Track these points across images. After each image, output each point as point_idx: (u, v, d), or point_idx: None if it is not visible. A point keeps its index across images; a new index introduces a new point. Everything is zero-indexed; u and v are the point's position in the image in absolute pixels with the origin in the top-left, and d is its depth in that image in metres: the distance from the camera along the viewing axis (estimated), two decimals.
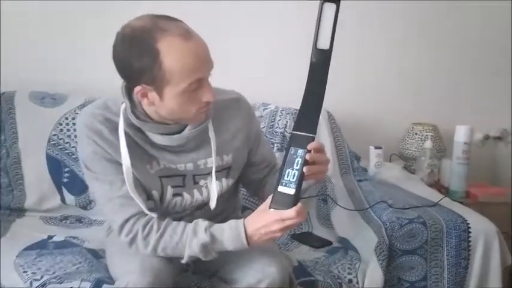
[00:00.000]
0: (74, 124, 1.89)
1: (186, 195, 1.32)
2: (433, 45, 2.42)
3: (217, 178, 1.31)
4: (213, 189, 1.31)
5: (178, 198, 1.32)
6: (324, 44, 1.17)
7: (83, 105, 1.91)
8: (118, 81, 1.23)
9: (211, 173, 1.30)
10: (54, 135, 1.91)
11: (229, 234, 1.20)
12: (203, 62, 1.16)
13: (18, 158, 1.89)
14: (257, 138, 1.42)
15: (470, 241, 1.55)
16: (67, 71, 2.14)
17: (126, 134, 1.22)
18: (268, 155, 1.45)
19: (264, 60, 2.29)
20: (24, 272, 1.40)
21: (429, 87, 2.46)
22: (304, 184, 1.19)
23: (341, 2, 1.15)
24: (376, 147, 2.09)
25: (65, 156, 1.91)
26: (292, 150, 1.18)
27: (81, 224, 1.84)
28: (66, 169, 1.90)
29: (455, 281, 1.56)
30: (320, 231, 1.85)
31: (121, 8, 1.99)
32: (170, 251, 1.22)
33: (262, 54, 2.28)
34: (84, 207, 1.90)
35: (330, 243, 1.74)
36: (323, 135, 2.09)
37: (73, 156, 1.89)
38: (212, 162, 1.30)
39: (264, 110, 2.11)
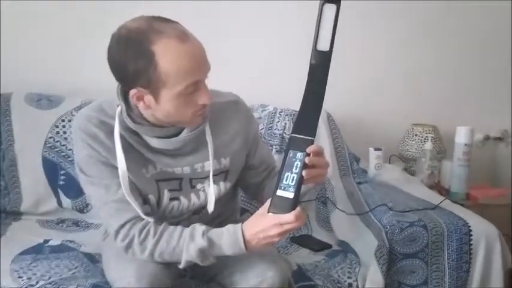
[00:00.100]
0: (70, 126, 1.87)
1: (183, 199, 1.30)
2: (433, 46, 2.41)
3: (214, 182, 1.30)
4: (211, 193, 1.30)
5: (175, 202, 1.30)
6: (324, 45, 1.16)
7: (79, 107, 1.89)
8: (115, 83, 1.21)
9: (208, 176, 1.29)
10: (51, 137, 1.89)
11: (227, 238, 1.18)
12: (200, 64, 1.14)
13: (14, 160, 1.88)
14: (255, 141, 1.40)
15: (471, 244, 1.54)
16: (63, 72, 2.13)
17: (121, 137, 1.20)
18: (266, 158, 1.44)
19: (263, 61, 2.28)
20: (19, 277, 1.38)
21: (429, 87, 2.45)
22: (303, 188, 1.17)
23: (341, 2, 1.13)
24: (376, 149, 2.07)
25: (61, 158, 1.89)
26: (291, 153, 1.17)
27: (77, 228, 1.82)
28: (63, 172, 1.88)
29: (457, 285, 1.54)
30: (319, 234, 1.84)
31: (119, 8, 1.99)
32: (167, 256, 1.20)
33: (261, 54, 2.27)
34: (81, 211, 1.89)
35: (330, 246, 1.72)
36: (322, 136, 2.07)
37: (69, 159, 1.87)
38: (209, 165, 1.28)
39: (262, 111, 2.09)
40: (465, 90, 2.49)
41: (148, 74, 1.10)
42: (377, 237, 1.53)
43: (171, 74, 1.10)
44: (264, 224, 1.15)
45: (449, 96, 2.47)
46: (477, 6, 2.36)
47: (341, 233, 1.75)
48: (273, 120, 2.07)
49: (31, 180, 1.87)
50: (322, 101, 1.18)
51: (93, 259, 1.53)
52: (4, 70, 2.05)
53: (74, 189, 1.87)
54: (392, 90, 2.43)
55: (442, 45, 2.41)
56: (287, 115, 2.07)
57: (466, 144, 2.09)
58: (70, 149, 1.87)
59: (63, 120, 1.91)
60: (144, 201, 1.26)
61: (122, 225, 1.20)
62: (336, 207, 1.80)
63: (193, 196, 1.31)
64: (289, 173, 1.15)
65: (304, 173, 1.14)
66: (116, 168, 1.19)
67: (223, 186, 1.34)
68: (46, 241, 1.65)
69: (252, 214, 1.23)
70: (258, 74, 2.27)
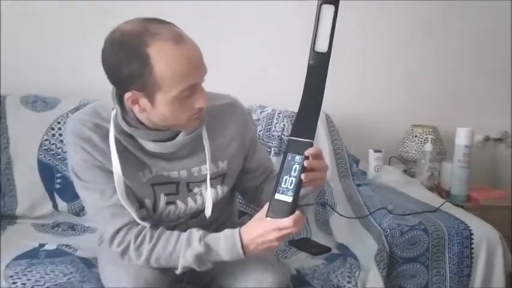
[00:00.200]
0: (66, 129, 1.84)
1: (179, 204, 1.28)
2: (433, 47, 2.41)
3: (212, 185, 1.28)
4: (208, 197, 1.27)
5: (171, 207, 1.28)
6: (322, 46, 1.14)
7: (75, 109, 1.87)
8: (111, 85, 1.19)
9: (205, 180, 1.27)
10: (46, 140, 1.87)
11: (224, 243, 1.17)
12: (196, 67, 1.12)
13: (10, 163, 1.85)
14: (253, 144, 1.38)
15: (473, 248, 1.52)
16: (60, 73, 2.11)
17: (117, 140, 1.18)
18: (264, 161, 1.42)
19: (263, 61, 2.28)
20: (13, 283, 1.37)
21: (428, 88, 2.45)
22: (302, 191, 1.15)
23: (341, 3, 1.11)
24: (376, 151, 2.06)
25: (57, 161, 1.86)
26: (289, 156, 1.15)
27: (73, 232, 1.80)
28: (59, 175, 1.86)
29: None
30: (318, 237, 1.82)
31: (116, 9, 1.98)
32: (164, 261, 1.18)
33: (261, 54, 2.27)
34: (77, 214, 1.86)
35: (329, 249, 1.70)
36: (321, 138, 2.06)
37: (65, 162, 1.85)
38: (206, 169, 1.26)
39: (261, 112, 2.07)
40: (465, 91, 2.48)
41: (143, 77, 1.08)
42: (377, 241, 1.52)
43: (167, 78, 1.08)
44: (262, 228, 1.13)
45: (449, 97, 2.46)
46: (477, 6, 2.36)
47: (340, 236, 1.74)
48: (271, 122, 2.05)
49: (26, 184, 1.85)
50: (321, 103, 1.16)
51: (89, 264, 1.51)
52: (2, 71, 2.04)
53: (70, 193, 1.84)
54: (392, 91, 2.42)
55: (441, 45, 2.40)
56: (286, 116, 2.05)
57: (466, 146, 2.07)
58: (66, 152, 1.83)
59: (59, 123, 1.89)
60: (140, 205, 1.24)
61: (118, 231, 1.18)
62: (335, 211, 1.78)
63: (190, 200, 1.29)
64: (287, 177, 1.13)
65: (303, 176, 1.12)
66: (111, 172, 1.17)
67: (221, 189, 1.32)
68: (41, 245, 1.63)
69: (250, 216, 1.21)
70: (258, 74, 2.26)
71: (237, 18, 2.21)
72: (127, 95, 1.12)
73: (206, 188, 1.27)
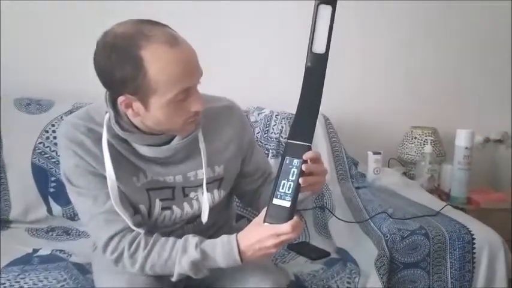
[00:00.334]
0: None
1: (175, 209, 1.25)
2: (432, 47, 2.40)
3: (208, 190, 1.25)
4: (205, 202, 1.25)
5: (167, 212, 1.25)
6: (319, 47, 1.11)
7: (70, 112, 1.85)
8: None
9: (202, 185, 1.24)
10: (40, 143, 1.84)
11: (221, 250, 1.14)
12: (191, 70, 1.09)
13: (3, 167, 1.83)
14: (250, 147, 1.35)
15: (474, 253, 1.50)
16: (59, 74, 2.09)
17: (110, 145, 1.15)
18: (262, 164, 1.39)
19: (263, 61, 2.27)
20: None
21: (428, 88, 2.44)
22: (300, 196, 1.13)
23: (340, 3, 1.09)
24: (375, 153, 2.04)
25: (51, 165, 1.83)
26: (287, 160, 1.13)
27: (68, 236, 1.77)
28: (53, 178, 1.83)
29: None
30: (317, 241, 1.79)
31: (116, 9, 1.96)
32: (159, 269, 1.16)
33: (261, 54, 2.26)
34: (72, 218, 1.83)
35: (328, 254, 1.67)
36: (319, 139, 2.04)
37: (59, 165, 1.81)
38: (203, 173, 1.23)
39: (258, 114, 2.05)
40: (465, 91, 2.47)
41: (136, 81, 1.05)
42: (377, 246, 1.49)
43: (161, 81, 1.05)
44: (260, 234, 1.11)
45: (449, 97, 2.45)
46: (477, 6, 2.36)
47: (339, 240, 1.71)
48: (269, 124, 2.02)
49: (20, 187, 1.82)
50: (319, 106, 1.14)
51: (83, 270, 1.48)
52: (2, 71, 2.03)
53: (64, 196, 1.75)
54: (391, 92, 2.41)
55: (441, 45, 2.39)
56: (284, 118, 2.03)
57: (466, 148, 2.05)
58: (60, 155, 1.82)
59: (53, 125, 1.86)
60: (135, 211, 1.21)
61: (111, 238, 1.15)
62: (334, 215, 1.76)
63: (186, 205, 1.26)
64: (285, 181, 1.11)
65: (301, 180, 1.10)
66: (105, 177, 1.14)
67: (217, 194, 1.29)
68: (35, 251, 1.60)
69: (248, 220, 1.19)
70: (258, 74, 2.25)
71: (237, 18, 2.21)
72: (120, 98, 1.09)
73: (202, 193, 1.24)
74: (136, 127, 1.17)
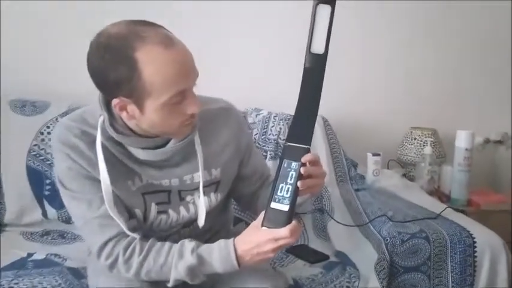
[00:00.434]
0: None
1: (171, 213, 1.23)
2: (432, 47, 2.39)
3: (205, 193, 1.22)
4: (201, 205, 1.22)
5: (163, 216, 1.23)
6: (318, 48, 1.09)
7: (65, 113, 1.82)
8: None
9: (198, 188, 1.22)
10: (35, 145, 1.82)
11: (218, 255, 1.12)
12: (187, 71, 1.06)
13: None
14: (248, 149, 1.33)
15: (476, 256, 1.48)
16: (52, 76, 2.07)
17: (105, 148, 1.13)
18: (260, 167, 1.37)
19: (263, 61, 2.25)
20: None
21: (428, 88, 2.42)
22: (299, 199, 1.11)
23: (339, 2, 1.07)
24: (374, 154, 2.02)
25: (46, 167, 1.81)
26: (285, 163, 1.10)
27: (63, 240, 1.75)
28: (48, 181, 1.81)
29: None
30: (316, 244, 1.77)
31: (116, 9, 1.93)
32: (154, 274, 1.14)
33: (261, 54, 2.24)
34: (67, 221, 1.81)
35: (327, 257, 1.65)
36: (318, 141, 2.02)
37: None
38: (199, 177, 1.20)
39: (256, 116, 2.03)
40: (465, 91, 2.46)
41: (130, 83, 1.02)
42: (377, 249, 1.47)
43: (156, 83, 1.02)
44: (258, 239, 1.09)
45: (449, 97, 2.44)
46: (477, 6, 2.35)
47: (339, 244, 1.69)
48: (267, 125, 2.00)
49: (15, 190, 1.80)
50: (318, 107, 1.12)
51: (78, 275, 1.46)
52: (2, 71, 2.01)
53: (59, 199, 1.70)
54: (391, 92, 2.39)
55: (441, 45, 2.38)
56: (282, 120, 2.01)
57: (466, 149, 2.04)
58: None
59: (48, 127, 1.84)
60: (130, 215, 1.19)
61: (106, 243, 1.13)
62: (332, 218, 1.74)
63: (182, 209, 1.24)
64: (283, 184, 1.09)
65: (299, 183, 1.08)
66: (99, 181, 1.12)
67: (214, 197, 1.27)
68: (30, 255, 1.58)
69: (246, 224, 1.17)
70: (258, 74, 2.24)
71: (237, 18, 2.20)
72: (114, 101, 1.06)
73: (199, 196, 1.22)
74: (131, 130, 1.14)
